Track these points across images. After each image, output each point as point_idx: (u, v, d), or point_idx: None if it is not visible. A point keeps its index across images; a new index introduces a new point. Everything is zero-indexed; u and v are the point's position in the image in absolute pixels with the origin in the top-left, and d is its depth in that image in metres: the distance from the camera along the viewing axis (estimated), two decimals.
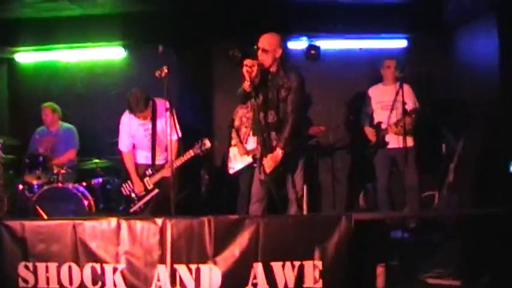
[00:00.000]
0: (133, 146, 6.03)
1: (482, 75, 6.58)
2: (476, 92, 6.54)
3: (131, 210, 5.94)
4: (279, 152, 4.89)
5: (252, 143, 6.39)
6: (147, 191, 5.95)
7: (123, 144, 6.01)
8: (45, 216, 5.83)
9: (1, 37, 7.31)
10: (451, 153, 6.84)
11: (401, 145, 5.71)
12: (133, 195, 5.96)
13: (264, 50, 4.89)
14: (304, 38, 7.57)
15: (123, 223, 4.21)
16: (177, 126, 5.61)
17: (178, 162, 5.66)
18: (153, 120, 5.82)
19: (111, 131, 6.89)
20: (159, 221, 4.20)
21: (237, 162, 6.62)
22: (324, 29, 7.49)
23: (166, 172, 5.69)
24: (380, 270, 4.29)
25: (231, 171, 6.70)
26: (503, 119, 6.19)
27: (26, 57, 7.91)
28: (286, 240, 4.18)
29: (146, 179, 5.95)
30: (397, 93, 5.97)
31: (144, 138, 5.93)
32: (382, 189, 6.44)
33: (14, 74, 8.03)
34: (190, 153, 5.67)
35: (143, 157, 6.03)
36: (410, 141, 6.14)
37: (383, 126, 6.35)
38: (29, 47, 7.65)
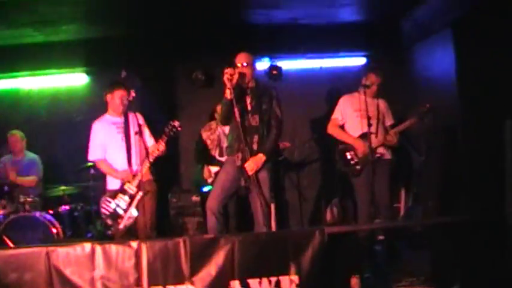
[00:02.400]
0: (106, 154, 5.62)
1: (439, 89, 6.76)
2: (434, 106, 6.71)
3: (120, 226, 5.29)
4: (262, 156, 5.00)
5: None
6: (132, 197, 5.33)
7: (95, 152, 5.57)
8: (11, 246, 5.71)
9: None
10: (414, 166, 7.05)
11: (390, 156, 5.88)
12: (118, 210, 5.32)
13: (243, 65, 5.08)
14: (266, 59, 7.70)
15: (98, 248, 4.18)
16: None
17: (154, 153, 5.33)
18: (126, 122, 5.56)
19: (75, 158, 6.83)
20: (134, 244, 4.20)
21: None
22: (285, 49, 7.65)
23: (145, 163, 5.33)
24: (354, 281, 4.38)
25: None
26: (462, 131, 6.39)
27: None
28: (262, 256, 4.24)
29: (127, 185, 5.38)
30: (377, 106, 5.88)
31: (117, 135, 5.51)
32: (367, 203, 5.86)
33: None
34: (164, 138, 5.28)
35: (119, 165, 5.54)
36: (389, 153, 5.97)
37: (373, 137, 5.76)
38: None
